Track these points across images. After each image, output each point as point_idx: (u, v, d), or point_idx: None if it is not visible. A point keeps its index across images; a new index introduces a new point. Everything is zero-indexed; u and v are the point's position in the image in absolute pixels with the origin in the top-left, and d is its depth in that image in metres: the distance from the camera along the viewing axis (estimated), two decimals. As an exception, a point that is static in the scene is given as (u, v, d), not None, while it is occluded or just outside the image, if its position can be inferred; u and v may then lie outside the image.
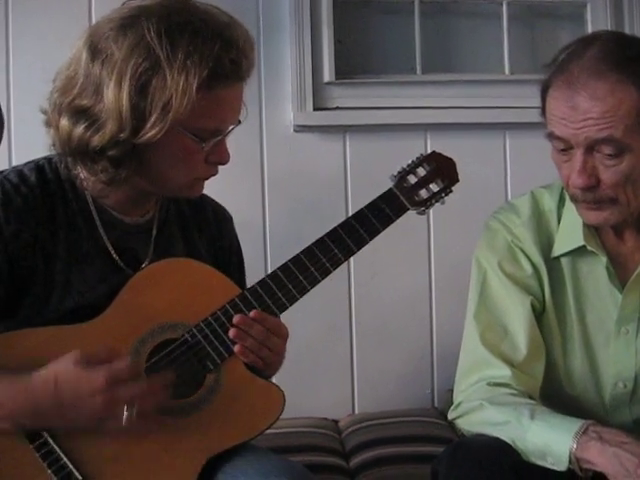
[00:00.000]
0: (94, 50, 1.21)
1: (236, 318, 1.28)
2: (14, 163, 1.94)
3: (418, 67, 2.37)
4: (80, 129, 1.21)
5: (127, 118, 1.18)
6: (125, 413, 1.16)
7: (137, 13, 1.21)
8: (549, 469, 1.24)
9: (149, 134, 1.19)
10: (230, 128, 1.28)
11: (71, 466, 1.19)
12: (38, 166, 1.30)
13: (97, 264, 1.29)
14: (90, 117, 1.21)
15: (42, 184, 1.27)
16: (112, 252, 1.30)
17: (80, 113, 1.21)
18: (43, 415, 1.17)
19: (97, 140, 1.20)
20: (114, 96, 1.18)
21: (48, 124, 1.27)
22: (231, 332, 1.28)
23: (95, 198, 1.30)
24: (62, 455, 1.19)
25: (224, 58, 1.20)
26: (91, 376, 1.16)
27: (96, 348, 1.20)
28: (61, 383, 1.16)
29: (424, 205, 1.41)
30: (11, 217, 1.22)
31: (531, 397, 1.36)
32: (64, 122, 1.22)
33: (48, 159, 1.31)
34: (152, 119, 1.18)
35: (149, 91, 1.18)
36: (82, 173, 1.28)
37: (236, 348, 1.28)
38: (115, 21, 1.21)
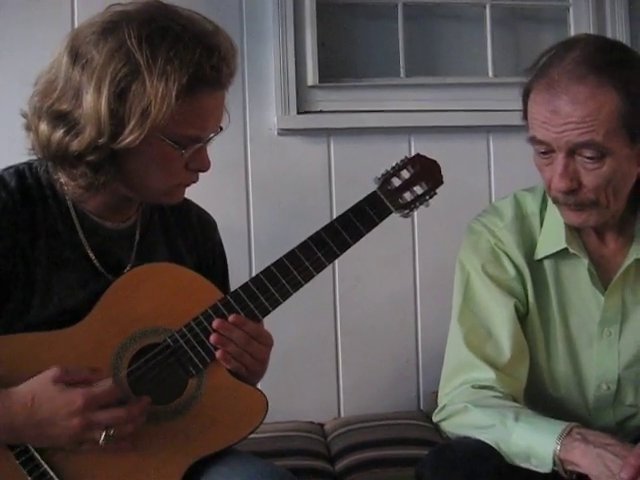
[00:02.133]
0: (75, 54, 1.20)
1: (215, 322, 1.28)
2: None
3: (402, 70, 2.38)
4: (59, 134, 1.20)
5: (106, 123, 1.17)
6: (102, 436, 1.16)
7: (119, 18, 1.20)
8: (533, 471, 1.24)
9: (127, 140, 1.18)
10: (211, 136, 1.27)
11: (52, 473, 1.18)
12: (18, 171, 1.29)
13: (78, 270, 1.28)
14: (69, 122, 1.20)
15: (22, 189, 1.26)
16: (93, 258, 1.29)
17: (59, 118, 1.21)
18: (19, 432, 1.16)
19: (76, 145, 1.20)
20: (93, 101, 1.17)
21: (28, 128, 1.26)
22: (212, 337, 1.27)
23: (76, 203, 1.29)
24: (43, 462, 1.18)
25: (205, 65, 1.19)
26: (69, 397, 1.15)
27: (77, 365, 1.20)
28: (38, 402, 1.15)
29: (408, 208, 1.40)
30: None
31: (515, 399, 1.36)
32: (43, 126, 1.22)
33: (29, 164, 1.30)
34: (131, 125, 1.17)
35: (128, 97, 1.17)
36: (62, 178, 1.27)
37: (218, 354, 1.27)
38: (96, 25, 1.21)
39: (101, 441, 1.16)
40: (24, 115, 1.27)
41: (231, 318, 1.28)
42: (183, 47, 1.18)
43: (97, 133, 1.18)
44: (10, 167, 1.30)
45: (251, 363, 1.30)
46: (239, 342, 1.28)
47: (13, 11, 2.14)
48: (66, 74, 1.20)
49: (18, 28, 2.14)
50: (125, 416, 1.18)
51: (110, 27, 1.19)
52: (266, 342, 1.33)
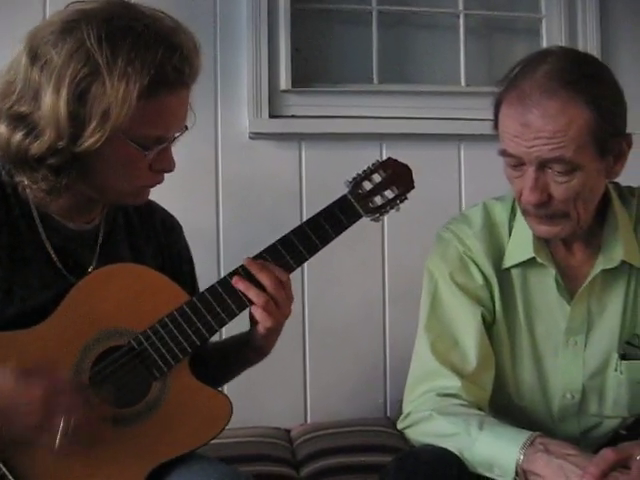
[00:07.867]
0: (33, 55, 1.17)
1: (246, 261, 1.30)
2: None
3: (375, 77, 2.39)
4: (19, 136, 1.18)
5: (65, 126, 1.15)
6: (61, 425, 1.13)
7: (78, 17, 1.17)
8: (496, 480, 1.24)
9: (88, 142, 1.16)
10: (176, 135, 1.26)
11: (10, 477, 1.16)
12: None
13: (39, 270, 1.25)
14: (29, 124, 1.17)
15: None
16: (55, 258, 1.27)
17: (19, 119, 1.18)
18: None
19: (36, 148, 1.17)
20: (52, 103, 1.14)
21: None
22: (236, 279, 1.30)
23: (38, 204, 1.27)
24: (1, 465, 1.16)
25: (166, 65, 1.17)
26: (29, 384, 1.13)
27: (37, 359, 1.18)
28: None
29: (378, 212, 1.40)
30: None
31: (480, 408, 1.36)
32: (3, 128, 1.19)
33: None
34: (91, 127, 1.15)
35: (88, 98, 1.15)
36: (24, 181, 1.24)
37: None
38: (55, 25, 1.18)
39: (60, 429, 1.14)
40: None
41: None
42: (144, 47, 1.16)
43: (56, 136, 1.16)
44: None
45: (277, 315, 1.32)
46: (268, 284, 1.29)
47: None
48: (25, 75, 1.17)
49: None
50: (85, 402, 1.16)
51: (69, 27, 1.17)
52: (290, 295, 1.34)
